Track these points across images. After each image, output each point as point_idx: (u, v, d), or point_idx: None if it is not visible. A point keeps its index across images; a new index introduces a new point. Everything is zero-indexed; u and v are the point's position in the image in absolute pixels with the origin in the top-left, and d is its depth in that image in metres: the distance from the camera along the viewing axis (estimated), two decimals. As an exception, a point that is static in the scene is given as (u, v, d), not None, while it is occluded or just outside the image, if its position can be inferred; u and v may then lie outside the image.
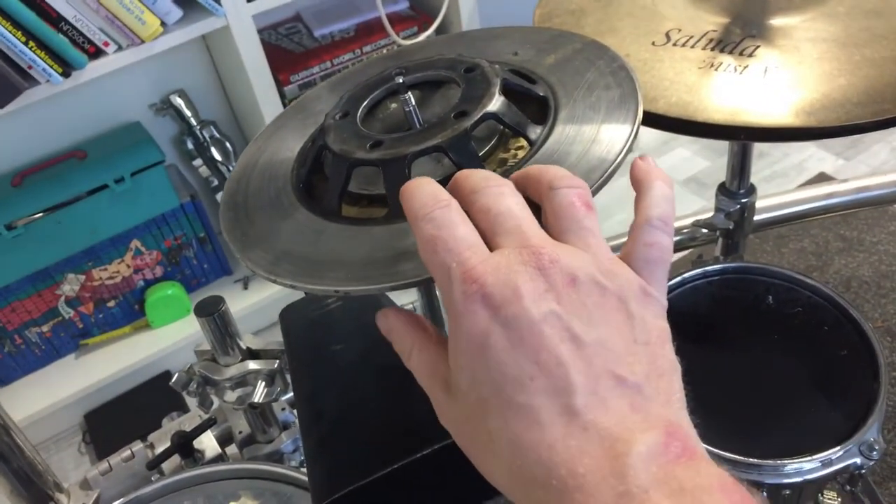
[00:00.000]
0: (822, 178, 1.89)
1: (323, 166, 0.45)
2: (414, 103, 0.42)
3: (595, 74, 0.44)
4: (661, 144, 2.05)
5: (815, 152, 1.95)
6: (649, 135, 2.07)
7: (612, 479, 0.26)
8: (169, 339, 1.61)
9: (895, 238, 1.68)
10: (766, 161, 1.95)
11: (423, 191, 0.33)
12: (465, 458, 0.51)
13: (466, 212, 0.33)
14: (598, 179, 0.36)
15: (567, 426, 0.27)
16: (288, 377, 0.71)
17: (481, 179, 0.33)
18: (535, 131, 0.41)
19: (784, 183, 1.88)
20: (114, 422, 1.56)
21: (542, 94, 0.44)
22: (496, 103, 0.40)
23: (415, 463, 0.47)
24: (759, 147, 1.98)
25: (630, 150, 0.39)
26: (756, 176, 1.89)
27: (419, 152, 0.38)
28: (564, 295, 0.29)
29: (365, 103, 0.45)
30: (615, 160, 0.38)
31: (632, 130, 0.40)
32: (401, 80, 0.46)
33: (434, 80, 0.46)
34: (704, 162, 1.96)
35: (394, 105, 0.46)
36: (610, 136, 0.39)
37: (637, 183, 0.35)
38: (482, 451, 0.30)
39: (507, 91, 0.42)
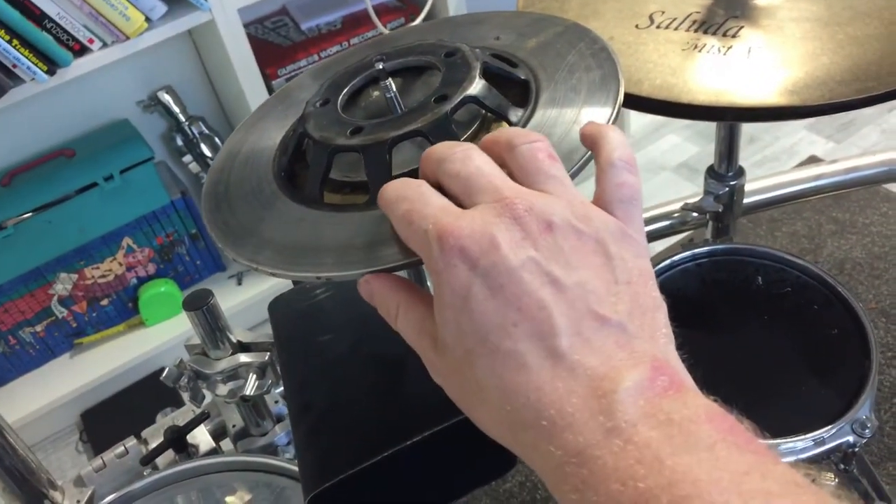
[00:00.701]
0: (812, 160, 1.89)
1: (304, 154, 0.45)
2: (395, 90, 0.42)
3: (576, 57, 0.44)
4: (651, 131, 2.05)
5: (806, 136, 1.95)
6: (640, 121, 2.06)
7: (600, 415, 0.26)
8: (164, 336, 1.60)
9: (887, 219, 1.68)
10: (758, 145, 1.94)
11: (394, 183, 0.34)
12: (454, 446, 0.51)
13: (439, 185, 0.33)
14: (579, 160, 0.36)
15: (553, 368, 0.28)
16: (279, 369, 0.71)
17: (446, 148, 0.34)
18: (516, 114, 0.41)
19: (775, 167, 1.88)
20: (110, 420, 1.56)
21: (523, 77, 0.44)
22: (476, 87, 0.40)
23: (404, 451, 0.47)
24: (749, 131, 1.98)
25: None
26: (747, 160, 1.90)
27: (399, 137, 0.38)
28: (541, 241, 0.30)
29: (346, 90, 0.45)
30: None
31: (613, 110, 0.40)
32: (381, 67, 0.46)
33: (415, 65, 0.46)
34: (695, 147, 1.96)
35: (376, 92, 0.46)
36: (591, 116, 0.39)
37: (591, 139, 0.36)
38: (473, 401, 0.31)
39: (488, 75, 0.41)
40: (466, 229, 0.30)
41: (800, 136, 1.95)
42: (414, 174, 0.37)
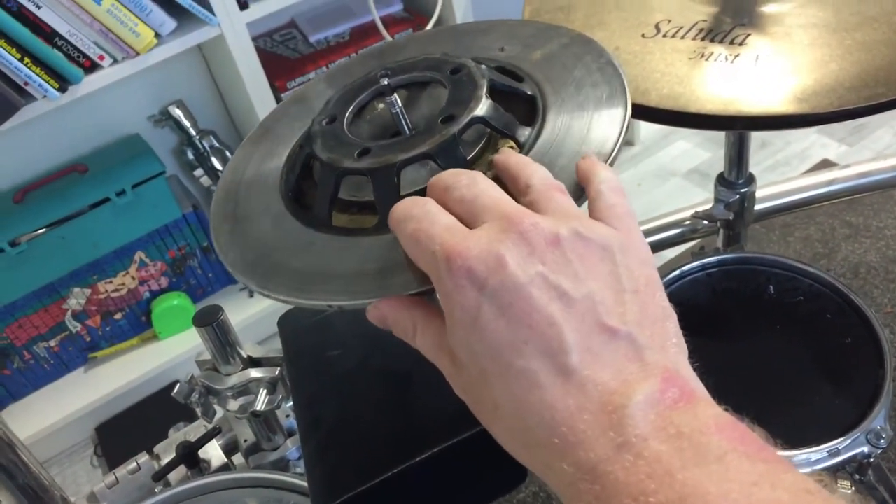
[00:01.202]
0: (825, 164, 1.87)
1: (311, 172, 0.45)
2: (401, 105, 0.42)
3: (582, 71, 0.44)
4: (661, 138, 2.04)
5: (818, 139, 1.94)
6: (649, 127, 2.06)
7: (610, 431, 0.27)
8: (177, 349, 1.61)
9: (902, 222, 1.66)
10: (769, 150, 1.93)
11: (403, 203, 0.34)
12: (464, 461, 0.51)
13: (447, 209, 0.33)
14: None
15: (565, 385, 0.28)
16: (289, 384, 0.71)
17: (452, 176, 0.34)
18: (523, 133, 0.41)
19: (787, 172, 1.86)
20: (125, 434, 1.57)
21: (529, 92, 0.44)
22: (483, 107, 0.39)
23: (414, 467, 0.46)
24: (761, 137, 1.96)
25: (620, 149, 0.39)
26: (759, 166, 1.88)
27: (407, 160, 0.38)
28: (548, 255, 0.30)
29: (351, 108, 0.45)
30: (606, 160, 0.37)
31: (621, 129, 0.39)
32: (386, 83, 0.45)
33: (420, 81, 0.46)
34: (706, 153, 1.95)
35: (381, 106, 0.46)
36: (599, 135, 0.39)
37: (583, 175, 0.36)
38: (489, 417, 0.31)
39: (494, 91, 0.41)
40: (474, 249, 0.30)
41: (812, 139, 1.94)
42: (422, 194, 0.36)
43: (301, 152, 0.45)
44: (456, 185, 0.33)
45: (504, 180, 0.36)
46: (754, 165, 1.99)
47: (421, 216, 0.32)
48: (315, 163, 0.43)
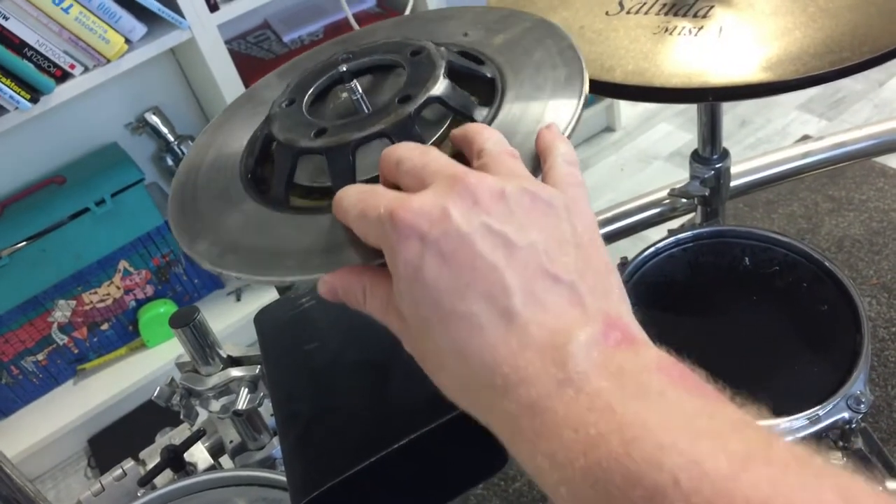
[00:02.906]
0: (805, 140, 1.88)
1: (272, 156, 0.45)
2: (361, 91, 0.42)
3: (543, 54, 0.44)
4: (643, 121, 2.04)
5: (798, 116, 1.94)
6: (630, 112, 2.06)
7: (552, 368, 0.27)
8: (166, 356, 1.60)
9: (884, 194, 1.67)
10: (750, 128, 1.94)
11: (347, 189, 0.35)
12: (442, 447, 0.50)
13: (397, 187, 0.34)
14: None
15: (506, 326, 0.28)
16: (266, 381, 0.70)
17: (404, 148, 0.34)
18: (481, 113, 0.41)
19: (769, 149, 1.86)
20: (118, 444, 1.56)
21: (489, 75, 0.44)
22: (440, 86, 0.39)
23: (392, 455, 0.46)
24: (740, 115, 1.97)
25: (574, 128, 0.39)
26: (740, 144, 1.89)
27: (363, 139, 0.38)
28: (493, 206, 0.30)
29: (311, 90, 0.45)
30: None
31: (576, 109, 0.39)
32: (344, 69, 0.45)
33: (380, 64, 0.46)
34: (687, 135, 1.95)
35: (345, 93, 0.46)
36: (555, 115, 0.39)
37: (542, 145, 0.36)
38: (434, 366, 0.31)
39: (454, 73, 0.41)
40: (417, 203, 0.30)
41: (792, 116, 1.94)
42: (377, 182, 0.37)
43: (260, 136, 0.45)
44: (408, 156, 0.33)
45: (461, 149, 0.36)
46: (735, 144, 1.99)
47: (367, 196, 0.33)
48: (274, 144, 0.43)
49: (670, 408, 0.25)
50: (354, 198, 0.33)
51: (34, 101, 1.23)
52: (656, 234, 1.33)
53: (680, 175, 2.05)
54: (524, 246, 0.29)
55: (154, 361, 1.60)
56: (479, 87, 0.43)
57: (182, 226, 0.42)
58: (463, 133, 0.36)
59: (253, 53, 1.61)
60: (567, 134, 0.38)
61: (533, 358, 0.27)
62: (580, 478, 0.25)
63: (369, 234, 0.32)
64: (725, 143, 0.85)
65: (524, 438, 0.27)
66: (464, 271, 0.29)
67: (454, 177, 0.31)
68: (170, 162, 1.60)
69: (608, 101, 1.97)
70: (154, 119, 1.56)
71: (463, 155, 0.36)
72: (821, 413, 0.57)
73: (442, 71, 0.40)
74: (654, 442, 0.24)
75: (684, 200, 0.89)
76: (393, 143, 0.38)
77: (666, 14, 0.64)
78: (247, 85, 1.44)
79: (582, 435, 0.25)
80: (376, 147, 0.39)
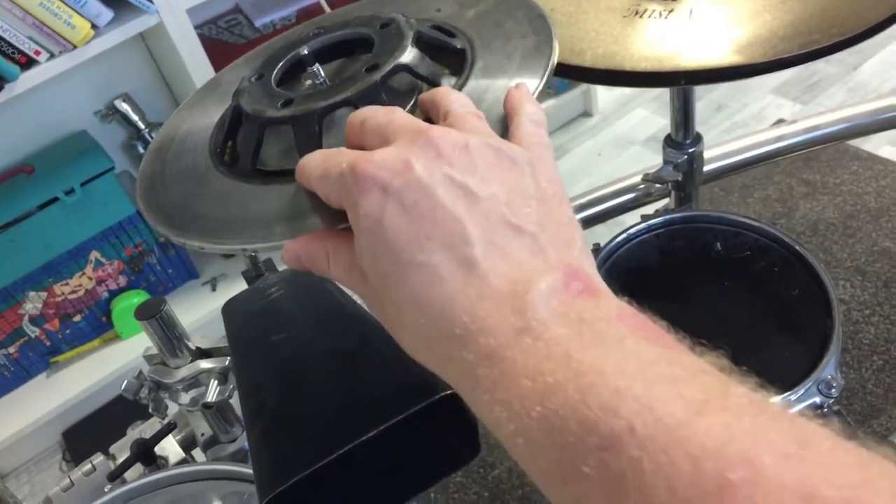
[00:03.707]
0: (780, 124, 1.88)
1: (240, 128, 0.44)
2: (324, 75, 0.42)
3: (513, 24, 0.44)
4: (620, 106, 2.04)
5: (773, 100, 1.95)
6: (607, 97, 2.05)
7: (511, 316, 0.27)
8: (140, 347, 1.54)
9: (858, 178, 1.68)
10: (725, 113, 1.94)
11: (314, 153, 0.34)
12: (412, 438, 0.50)
13: (362, 146, 0.33)
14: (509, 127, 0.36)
15: (466, 275, 0.28)
16: (233, 372, 0.69)
17: (368, 109, 0.34)
18: (449, 82, 0.41)
19: (744, 133, 1.87)
20: (93, 437, 1.54)
21: (459, 46, 0.43)
22: (408, 55, 0.39)
23: (361, 446, 0.45)
24: (716, 100, 1.97)
25: (540, 90, 0.39)
26: (716, 129, 1.89)
27: (329, 107, 0.38)
28: (456, 158, 0.30)
29: (280, 65, 0.44)
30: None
31: (543, 77, 0.39)
32: (306, 52, 0.45)
33: (350, 38, 0.45)
34: (663, 120, 1.95)
35: (309, 78, 0.45)
36: (523, 80, 0.39)
37: (510, 105, 0.36)
38: (393, 322, 0.31)
39: (422, 44, 0.41)
40: (379, 157, 0.30)
41: (767, 100, 1.95)
42: None
43: (229, 110, 0.45)
44: (372, 115, 0.33)
45: (428, 113, 0.36)
46: (711, 129, 2.00)
47: (329, 156, 0.32)
48: (241, 116, 0.42)
49: (627, 355, 0.25)
50: (317, 159, 0.33)
51: (-2, 88, 1.20)
52: (631, 219, 1.33)
53: (657, 160, 2.05)
54: (486, 197, 0.29)
55: (128, 353, 1.58)
56: (450, 58, 0.43)
57: (148, 200, 0.42)
58: (430, 96, 0.36)
59: (224, 38, 1.58)
60: (534, 94, 0.38)
61: (492, 308, 0.27)
62: (536, 427, 0.24)
63: (331, 193, 0.32)
64: (701, 128, 0.85)
65: (482, 389, 0.27)
66: (424, 222, 0.28)
67: (417, 131, 0.31)
68: (141, 150, 1.57)
69: (585, 86, 1.97)
70: (124, 106, 1.53)
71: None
72: (792, 398, 0.57)
73: (410, 41, 0.40)
74: (609, 388, 0.23)
75: (658, 185, 0.89)
76: None
77: (636, -3, 0.64)
78: (217, 70, 1.42)
79: (539, 384, 0.25)
80: (343, 122, 0.39)
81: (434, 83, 0.40)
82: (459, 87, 0.40)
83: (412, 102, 0.41)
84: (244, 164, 0.41)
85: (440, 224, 0.28)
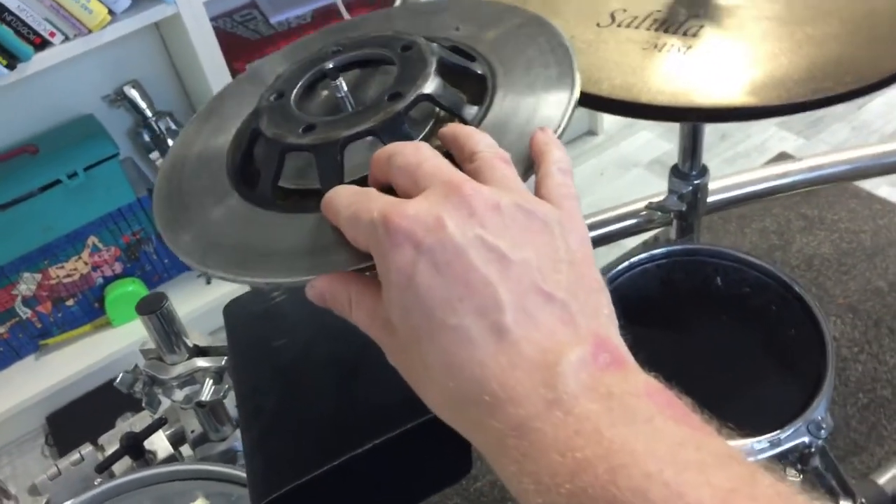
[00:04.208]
0: (782, 157, 1.90)
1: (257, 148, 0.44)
2: (346, 90, 0.42)
3: (534, 52, 0.44)
4: (624, 127, 2.05)
5: (776, 132, 1.96)
6: (613, 118, 2.06)
7: (542, 388, 0.27)
8: (131, 336, 1.58)
9: (855, 215, 1.69)
10: (729, 142, 1.95)
11: (339, 189, 0.34)
12: (409, 451, 0.50)
13: (389, 187, 0.34)
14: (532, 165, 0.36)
15: (498, 343, 0.28)
16: (231, 374, 0.69)
17: (396, 145, 0.34)
18: (470, 112, 0.40)
19: (746, 164, 1.89)
20: (77, 423, 1.53)
21: (480, 72, 0.43)
22: (431, 85, 0.39)
23: (357, 458, 0.46)
24: (721, 129, 1.99)
25: (565, 129, 0.38)
26: (719, 157, 1.91)
27: (351, 136, 0.38)
28: (488, 219, 0.30)
29: (300, 84, 0.44)
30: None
31: (566, 110, 0.39)
32: (330, 66, 0.45)
33: (370, 58, 0.45)
34: (668, 144, 1.97)
35: (329, 90, 0.45)
36: (546, 115, 0.39)
37: (536, 150, 0.36)
38: (420, 379, 0.31)
39: (444, 69, 0.41)
40: (412, 210, 0.30)
41: (770, 132, 1.96)
42: (366, 182, 0.36)
43: (247, 131, 0.45)
44: (401, 151, 0.33)
45: (450, 150, 0.36)
46: (714, 157, 2.01)
47: (360, 199, 0.32)
48: (260, 139, 0.42)
49: (657, 436, 0.25)
50: (346, 199, 0.33)
51: (11, 67, 1.20)
52: (631, 242, 1.34)
53: (658, 184, 2.06)
54: (518, 261, 0.29)
55: (119, 340, 1.58)
56: (470, 84, 0.43)
57: (167, 218, 0.42)
58: (453, 134, 0.36)
59: (238, 32, 1.58)
60: (558, 134, 0.38)
61: (522, 377, 0.27)
62: (565, 503, 0.24)
63: (359, 238, 0.32)
64: (703, 156, 0.85)
65: (510, 459, 0.27)
66: (457, 284, 0.28)
67: (450, 184, 0.31)
68: (146, 138, 1.57)
69: (592, 105, 1.97)
70: (133, 93, 1.53)
71: (451, 154, 0.36)
72: (781, 436, 0.58)
73: (433, 69, 0.40)
74: (640, 471, 0.24)
75: (660, 214, 0.90)
76: (382, 140, 0.38)
77: (656, 30, 0.64)
78: (230, 64, 1.42)
79: (569, 459, 0.25)
80: (362, 146, 0.39)
81: (456, 114, 0.40)
82: (481, 117, 0.40)
83: (429, 127, 0.41)
84: (264, 188, 0.40)
85: (472, 287, 0.28)
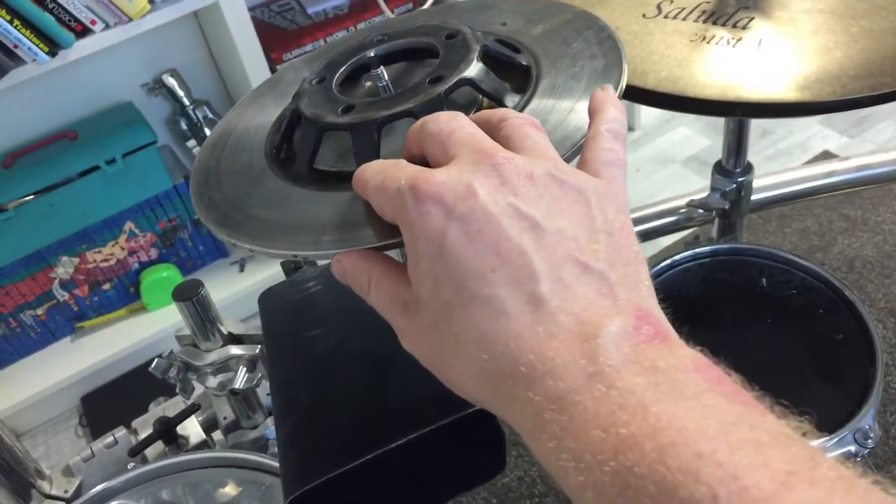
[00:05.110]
0: (825, 156, 1.85)
1: (297, 129, 0.44)
2: (387, 78, 0.42)
3: (582, 44, 0.43)
4: (662, 123, 2.02)
5: (820, 130, 1.92)
6: (650, 113, 2.03)
7: (582, 360, 0.25)
8: (165, 321, 1.60)
9: (900, 217, 1.65)
10: (770, 139, 1.91)
11: (373, 163, 0.33)
12: (442, 449, 0.49)
13: (422, 157, 0.33)
14: (572, 147, 0.35)
15: (534, 313, 0.27)
16: (266, 363, 0.70)
17: (431, 115, 0.33)
18: (513, 99, 0.40)
19: (787, 161, 1.84)
20: (110, 405, 1.56)
21: (524, 62, 0.43)
22: (473, 69, 0.39)
23: (389, 454, 0.45)
24: (762, 125, 1.94)
25: None
26: (759, 154, 1.86)
27: (389, 117, 0.38)
28: (521, 188, 0.28)
29: (342, 69, 0.44)
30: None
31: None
32: (372, 55, 0.45)
33: (415, 47, 0.45)
34: (706, 140, 1.93)
35: (371, 80, 0.45)
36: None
37: (592, 107, 0.35)
38: (448, 357, 0.29)
39: (487, 58, 0.40)
40: (441, 177, 0.29)
41: (814, 130, 1.92)
42: None
43: (288, 113, 0.45)
44: (435, 118, 0.32)
45: (480, 126, 0.35)
46: (754, 154, 1.97)
47: (388, 168, 0.31)
48: (300, 120, 0.42)
49: (708, 413, 0.23)
50: (375, 169, 0.32)
51: (52, 54, 1.21)
52: (665, 240, 1.32)
53: (695, 181, 2.02)
54: (552, 231, 0.28)
55: (153, 325, 1.60)
56: (514, 74, 0.42)
57: (202, 195, 0.42)
58: (486, 114, 0.35)
59: (276, 23, 1.59)
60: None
61: (561, 348, 0.26)
62: (608, 482, 0.23)
63: (386, 207, 0.31)
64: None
65: (548, 434, 0.25)
66: (489, 253, 0.27)
67: (482, 152, 0.29)
68: (184, 126, 1.59)
69: (629, 99, 1.95)
70: (171, 81, 1.55)
71: None
72: (827, 445, 0.56)
73: (476, 55, 0.39)
74: (690, 450, 0.22)
75: (701, 211, 0.88)
76: None
77: (704, 22, 0.63)
78: (267, 54, 1.43)
79: (612, 435, 0.23)
80: (402, 131, 0.38)
81: (497, 99, 0.39)
82: (523, 106, 0.39)
83: (472, 112, 0.40)
84: (300, 166, 0.41)
85: (505, 257, 0.27)
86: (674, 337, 0.27)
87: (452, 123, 0.32)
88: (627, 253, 0.29)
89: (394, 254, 0.36)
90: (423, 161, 0.33)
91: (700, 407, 0.23)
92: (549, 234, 0.28)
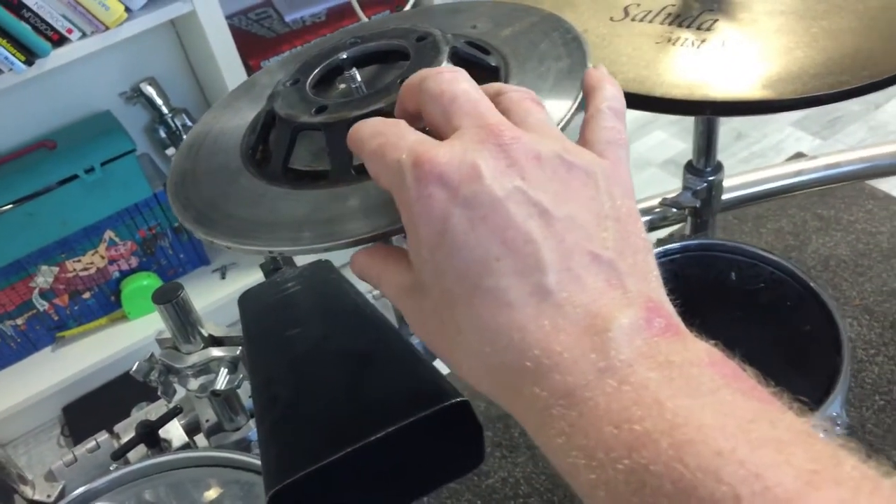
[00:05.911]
0: (798, 157, 1.89)
1: (271, 131, 0.45)
2: (360, 80, 0.43)
3: (548, 46, 0.44)
4: (638, 127, 2.05)
5: (793, 132, 1.95)
6: (628, 116, 2.03)
7: (592, 354, 0.24)
8: (146, 329, 1.60)
9: (872, 217, 1.68)
10: (745, 142, 1.95)
11: (368, 120, 0.32)
12: (422, 442, 0.50)
13: (418, 116, 0.31)
14: None
15: (539, 305, 0.25)
16: (246, 364, 0.70)
17: (432, 70, 0.31)
18: None
19: (761, 164, 1.88)
20: (92, 414, 1.55)
21: (493, 63, 0.44)
22: None
23: (369, 446, 0.46)
24: (737, 129, 1.98)
25: (570, 119, 0.39)
26: (734, 157, 1.90)
27: (362, 116, 0.38)
28: (529, 170, 0.27)
29: (316, 71, 0.45)
30: (558, 126, 0.37)
31: (574, 100, 0.40)
32: (344, 57, 0.46)
33: (386, 49, 0.46)
34: (682, 144, 1.96)
35: (344, 82, 0.46)
36: (554, 104, 0.39)
37: (588, 86, 0.34)
38: (451, 346, 0.28)
39: (458, 60, 0.42)
40: (445, 156, 0.27)
41: (786, 132, 1.95)
42: None
43: (262, 114, 0.46)
44: (435, 76, 0.30)
45: None
46: (729, 157, 2.01)
47: (388, 132, 0.30)
48: (274, 121, 0.43)
49: (726, 410, 0.22)
50: (373, 129, 0.30)
51: (29, 63, 1.21)
52: (645, 240, 1.33)
53: (673, 183, 2.05)
54: (562, 218, 0.26)
55: (134, 334, 1.59)
56: (484, 75, 0.43)
57: (178, 195, 0.43)
58: (482, 89, 0.34)
59: (253, 31, 1.59)
60: (561, 126, 0.37)
61: (569, 342, 0.25)
62: (622, 480, 0.22)
63: (382, 176, 0.29)
64: (719, 156, 0.85)
65: (556, 430, 0.24)
66: (494, 241, 0.26)
67: (487, 128, 0.28)
68: (162, 134, 1.59)
69: (606, 104, 1.97)
70: (149, 89, 1.55)
71: None
72: (795, 431, 0.57)
73: (445, 56, 0.41)
74: (710, 448, 0.21)
75: (675, 210, 0.89)
76: None
77: (670, 24, 0.64)
78: (245, 62, 1.43)
79: (625, 432, 0.22)
80: None
81: None
82: None
83: None
84: (275, 166, 0.41)
85: (511, 245, 0.26)
86: (685, 330, 0.26)
87: (455, 86, 0.30)
88: (636, 241, 0.28)
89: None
90: (417, 116, 0.32)
91: (717, 403, 0.23)
92: (557, 221, 0.26)
